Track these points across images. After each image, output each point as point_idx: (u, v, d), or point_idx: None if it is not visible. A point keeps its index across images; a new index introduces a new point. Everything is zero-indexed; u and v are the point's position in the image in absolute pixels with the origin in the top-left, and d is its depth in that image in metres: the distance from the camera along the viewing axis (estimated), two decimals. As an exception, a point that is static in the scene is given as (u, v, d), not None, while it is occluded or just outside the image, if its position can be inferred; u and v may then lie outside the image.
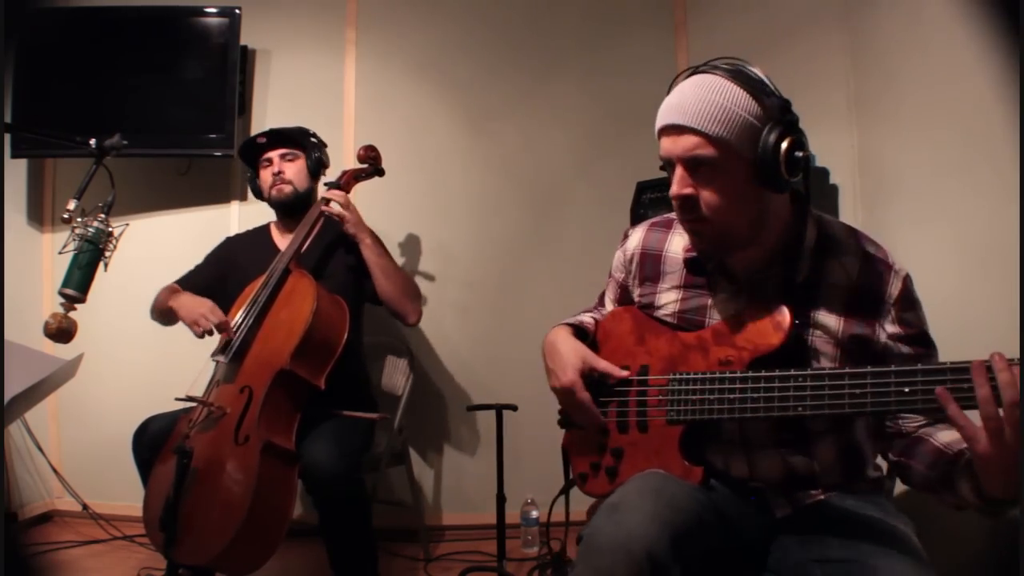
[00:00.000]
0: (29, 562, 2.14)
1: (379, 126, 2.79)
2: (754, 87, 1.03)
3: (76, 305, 1.53)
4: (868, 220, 2.15)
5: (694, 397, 1.09)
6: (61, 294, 1.52)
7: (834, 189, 2.26)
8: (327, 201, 2.07)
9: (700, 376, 1.10)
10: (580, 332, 1.31)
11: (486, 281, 2.80)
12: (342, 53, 2.85)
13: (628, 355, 1.21)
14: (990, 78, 1.52)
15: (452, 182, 2.83)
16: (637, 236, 1.30)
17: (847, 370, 0.96)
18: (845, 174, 2.25)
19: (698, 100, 1.03)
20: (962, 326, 1.65)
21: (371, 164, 2.27)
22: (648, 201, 2.30)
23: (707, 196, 1.05)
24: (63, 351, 1.77)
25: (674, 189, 1.06)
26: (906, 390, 0.90)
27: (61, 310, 1.51)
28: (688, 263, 1.20)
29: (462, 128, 2.85)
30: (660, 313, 1.22)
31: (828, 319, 1.09)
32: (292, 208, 2.15)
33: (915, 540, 1.04)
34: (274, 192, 2.15)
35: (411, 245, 2.80)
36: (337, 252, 2.13)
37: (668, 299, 1.21)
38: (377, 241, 2.10)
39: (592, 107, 2.83)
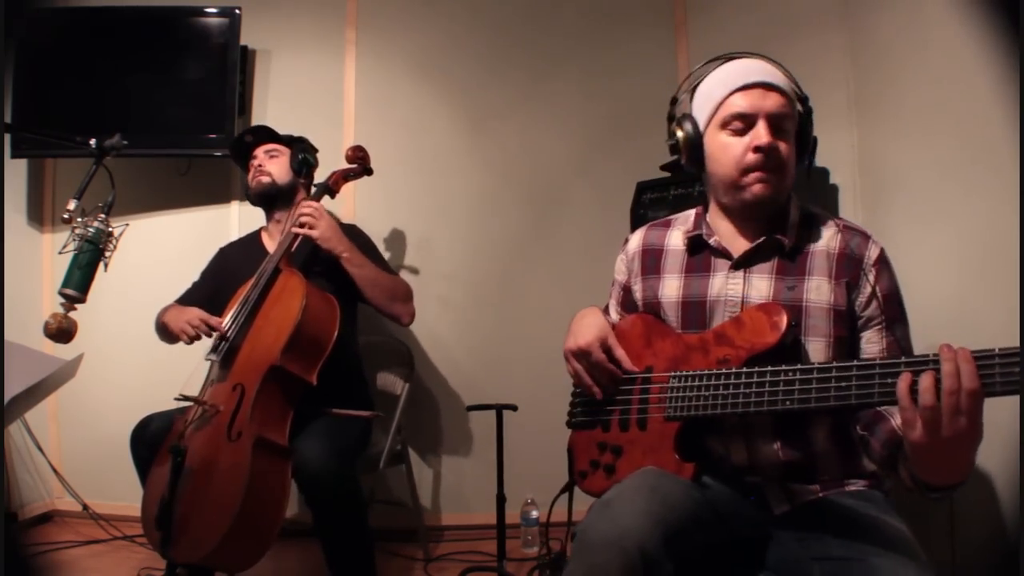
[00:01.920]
0: (29, 562, 2.14)
1: (379, 126, 2.80)
2: (791, 76, 1.20)
3: (76, 305, 1.54)
4: (868, 220, 2.14)
5: (691, 395, 1.13)
6: (61, 294, 1.52)
7: (834, 189, 2.26)
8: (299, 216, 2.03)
9: (698, 374, 1.13)
10: None
11: (486, 281, 2.80)
12: (342, 53, 2.85)
13: (636, 358, 1.24)
14: (990, 78, 1.53)
15: (452, 182, 2.83)
16: (637, 237, 1.38)
17: (834, 364, 0.99)
18: (845, 174, 2.25)
19: (776, 70, 1.18)
20: (962, 326, 1.65)
21: (359, 164, 2.27)
22: (648, 201, 2.30)
23: (785, 150, 1.16)
24: (63, 351, 1.78)
25: (766, 139, 1.14)
26: (889, 381, 0.92)
27: (61, 310, 1.52)
28: (690, 242, 1.27)
29: (462, 128, 2.85)
30: (664, 300, 1.27)
31: (820, 282, 1.16)
32: (272, 200, 2.17)
33: (913, 539, 1.04)
34: (253, 184, 2.17)
35: (410, 245, 2.80)
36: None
37: (671, 285, 1.27)
38: (355, 252, 2.05)
39: (592, 107, 2.83)
